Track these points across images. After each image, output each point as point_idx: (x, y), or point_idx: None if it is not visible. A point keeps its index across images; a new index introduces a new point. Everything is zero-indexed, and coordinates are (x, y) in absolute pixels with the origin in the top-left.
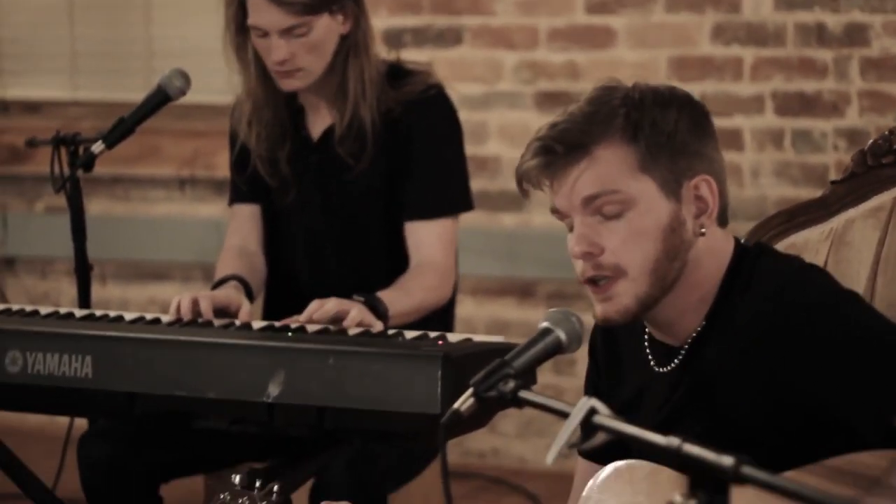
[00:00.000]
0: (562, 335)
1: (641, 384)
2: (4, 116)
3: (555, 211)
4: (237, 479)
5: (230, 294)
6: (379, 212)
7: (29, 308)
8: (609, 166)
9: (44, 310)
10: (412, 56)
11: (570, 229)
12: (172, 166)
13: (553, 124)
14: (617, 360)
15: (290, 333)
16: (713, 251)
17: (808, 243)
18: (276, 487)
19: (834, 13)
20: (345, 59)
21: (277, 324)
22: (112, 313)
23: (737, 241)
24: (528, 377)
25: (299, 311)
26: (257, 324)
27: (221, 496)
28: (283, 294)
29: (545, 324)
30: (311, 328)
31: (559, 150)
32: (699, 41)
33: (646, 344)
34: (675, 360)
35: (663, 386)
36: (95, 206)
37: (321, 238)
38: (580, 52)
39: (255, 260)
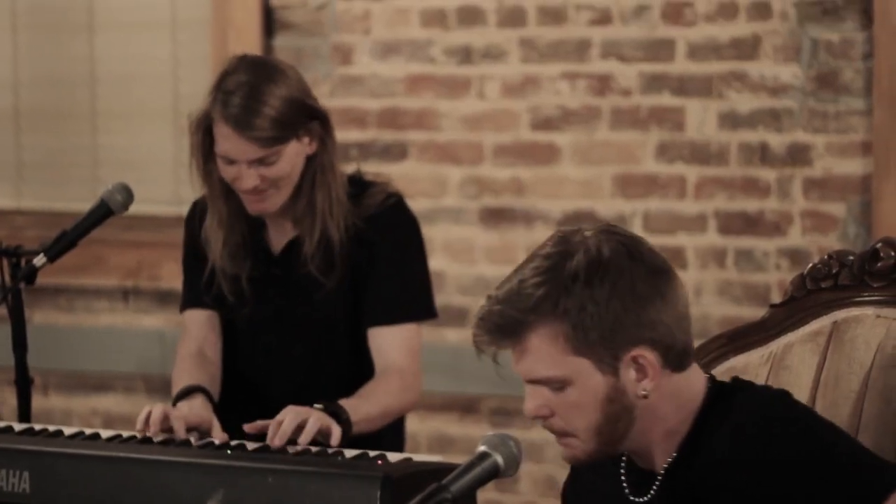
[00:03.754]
0: (499, 460)
1: None
2: None
3: None
4: None
5: (202, 414)
6: (342, 324)
7: None
8: (541, 354)
9: None
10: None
11: None
12: (116, 277)
13: (494, 300)
14: (591, 489)
15: (229, 451)
16: (671, 396)
17: (747, 367)
18: None
19: (777, 133)
20: (312, 179)
21: (218, 442)
22: (51, 428)
23: (710, 376)
24: (465, 501)
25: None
26: (196, 441)
27: None
28: (243, 404)
29: (483, 448)
30: (250, 446)
31: (496, 336)
32: (643, 159)
33: (622, 473)
34: (653, 489)
35: None
36: (39, 316)
37: (284, 352)
38: (525, 168)
39: (212, 369)
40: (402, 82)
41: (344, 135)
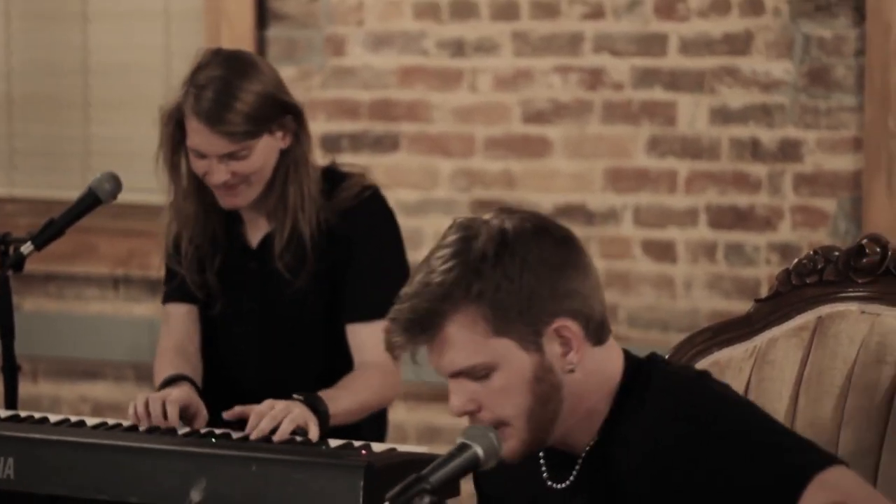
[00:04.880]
0: (479, 451)
1: (532, 499)
2: None
3: None
4: None
5: (190, 394)
6: (318, 319)
7: None
8: (461, 342)
9: None
10: (349, 161)
11: None
12: (107, 265)
13: (404, 297)
14: (506, 474)
15: (213, 440)
16: (594, 372)
17: (731, 361)
18: None
19: (768, 128)
20: (285, 174)
21: (202, 431)
22: (37, 415)
23: (625, 352)
24: (445, 491)
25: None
26: (181, 429)
27: None
28: (219, 396)
29: (462, 439)
30: (234, 435)
31: (411, 332)
32: (634, 153)
33: (541, 457)
34: (572, 476)
35: (558, 502)
36: (29, 303)
37: (258, 345)
38: (516, 160)
39: (193, 361)
40: (394, 74)
41: (336, 126)
